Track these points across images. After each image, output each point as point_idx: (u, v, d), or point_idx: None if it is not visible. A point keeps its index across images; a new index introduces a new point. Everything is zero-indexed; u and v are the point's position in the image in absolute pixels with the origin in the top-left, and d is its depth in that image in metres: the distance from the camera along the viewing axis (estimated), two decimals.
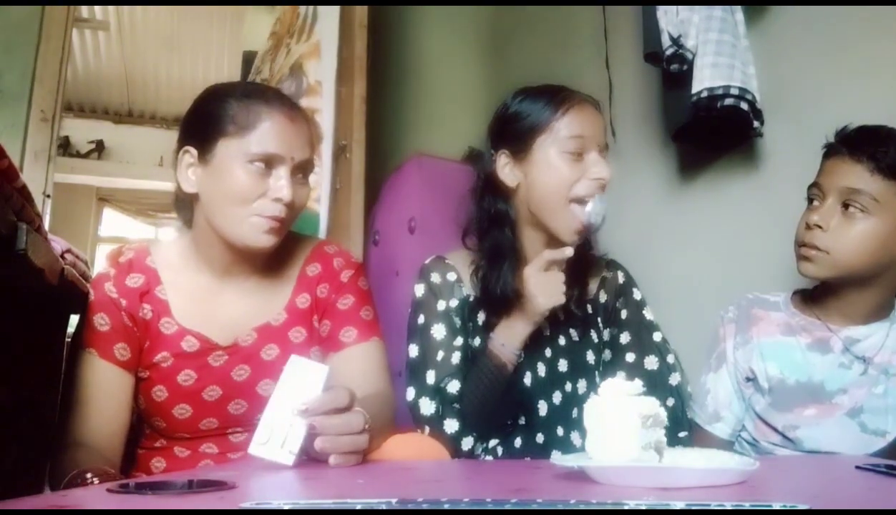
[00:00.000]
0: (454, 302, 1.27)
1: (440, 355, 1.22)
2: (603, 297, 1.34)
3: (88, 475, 0.91)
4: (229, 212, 1.10)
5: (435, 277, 1.28)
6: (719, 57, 1.61)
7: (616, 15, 2.24)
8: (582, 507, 0.55)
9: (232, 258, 1.17)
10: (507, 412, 1.23)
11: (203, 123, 1.13)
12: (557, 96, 1.22)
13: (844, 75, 1.55)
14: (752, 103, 1.61)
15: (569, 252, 1.17)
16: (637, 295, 1.36)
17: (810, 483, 0.84)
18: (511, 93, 1.28)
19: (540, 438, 1.23)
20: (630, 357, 1.28)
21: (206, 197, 1.13)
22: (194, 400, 1.14)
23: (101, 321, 1.15)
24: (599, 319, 1.33)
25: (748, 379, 1.33)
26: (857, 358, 1.24)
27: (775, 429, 1.27)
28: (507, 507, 0.53)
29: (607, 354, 1.32)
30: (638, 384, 0.77)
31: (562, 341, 1.27)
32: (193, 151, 1.13)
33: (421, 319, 1.27)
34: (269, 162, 1.09)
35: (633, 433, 0.74)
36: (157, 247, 1.22)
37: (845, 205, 1.19)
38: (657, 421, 0.76)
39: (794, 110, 1.66)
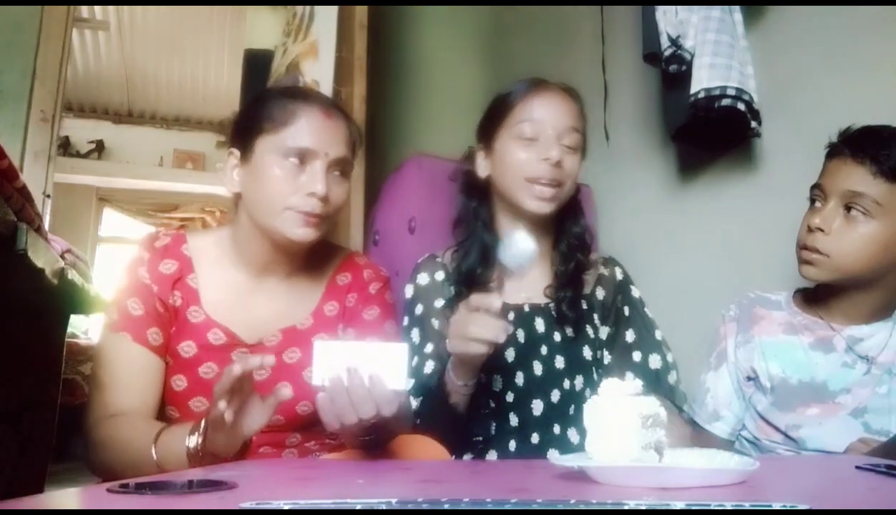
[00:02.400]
0: (440, 303, 1.28)
1: (414, 361, 1.24)
2: (600, 294, 1.33)
3: (203, 421, 0.93)
4: (265, 206, 1.13)
5: (422, 278, 1.31)
6: (717, 57, 1.61)
7: (614, 16, 2.24)
8: (582, 507, 0.55)
9: (271, 256, 1.18)
10: (466, 432, 1.19)
11: (244, 125, 1.16)
12: (521, 85, 1.28)
13: (843, 75, 1.55)
14: (749, 103, 1.61)
15: (496, 305, 1.01)
16: (636, 293, 1.35)
17: (810, 483, 0.84)
18: None
19: (535, 438, 1.21)
20: (636, 356, 1.28)
21: (247, 194, 1.16)
22: (212, 394, 1.14)
23: (135, 305, 1.14)
24: (596, 316, 1.31)
25: (749, 379, 1.32)
26: (861, 358, 1.24)
27: (777, 429, 1.27)
28: (507, 507, 0.53)
29: (604, 352, 1.30)
30: (638, 383, 0.77)
31: (557, 337, 1.26)
32: (237, 153, 1.16)
33: (405, 321, 1.30)
34: (304, 156, 1.11)
35: (633, 433, 0.74)
36: (195, 237, 1.23)
37: (847, 208, 1.19)
38: (657, 420, 0.76)
39: (793, 110, 1.66)
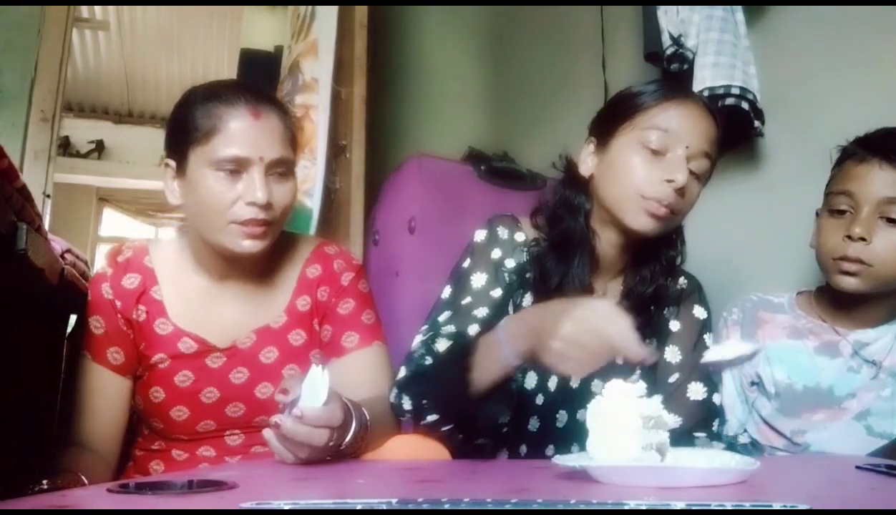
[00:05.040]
0: (511, 263, 1.15)
1: (466, 300, 1.11)
2: (674, 326, 1.20)
3: (45, 482, 0.91)
4: (208, 222, 1.09)
5: (501, 230, 1.18)
6: (720, 56, 1.61)
7: (614, 16, 2.24)
8: (582, 507, 0.55)
9: (227, 264, 1.16)
10: (487, 413, 1.01)
11: (174, 134, 1.11)
12: (658, 84, 1.13)
13: (845, 75, 1.55)
14: (752, 103, 1.61)
15: (648, 360, 0.87)
16: (700, 313, 1.21)
17: (810, 483, 0.84)
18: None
19: (550, 450, 1.14)
20: (673, 378, 1.15)
21: (187, 208, 1.12)
22: (191, 401, 1.14)
23: (97, 323, 1.15)
24: (660, 347, 1.17)
25: (753, 384, 1.32)
26: (867, 362, 1.22)
27: (782, 435, 1.26)
28: (507, 507, 0.53)
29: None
30: (641, 386, 0.77)
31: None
32: (172, 164, 1.12)
33: (467, 263, 1.16)
34: (238, 165, 1.06)
35: (634, 434, 0.74)
36: (157, 247, 1.21)
37: (884, 215, 1.16)
38: (659, 423, 0.76)
39: (795, 110, 1.66)
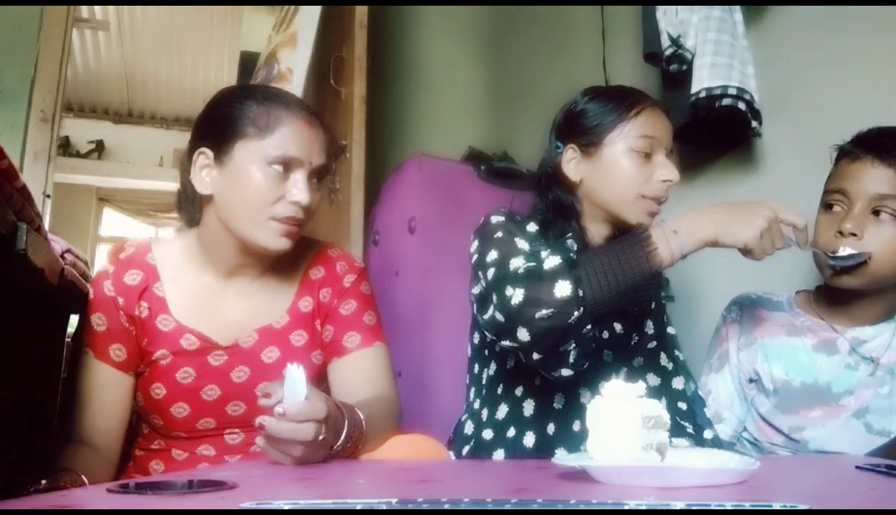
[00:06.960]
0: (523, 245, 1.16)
1: (528, 250, 1.12)
2: None
3: (43, 482, 0.90)
4: (246, 214, 1.10)
5: (516, 218, 1.22)
6: (718, 57, 1.61)
7: (614, 16, 2.25)
8: (582, 507, 0.55)
9: (240, 259, 1.17)
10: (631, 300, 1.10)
11: (220, 125, 1.13)
12: (630, 97, 1.23)
13: (843, 75, 1.55)
14: (750, 103, 1.61)
15: (800, 223, 1.10)
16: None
17: (810, 483, 0.84)
18: (580, 91, 1.29)
19: (577, 425, 1.17)
20: (651, 344, 1.27)
21: (222, 199, 1.12)
22: (192, 398, 1.14)
23: (99, 321, 1.15)
24: (655, 314, 1.30)
25: (751, 381, 1.32)
26: (865, 359, 1.23)
27: (780, 431, 1.27)
28: (507, 507, 0.53)
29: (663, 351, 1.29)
30: (641, 386, 0.77)
31: (605, 334, 1.22)
32: (209, 152, 1.13)
33: (500, 233, 1.16)
34: (288, 165, 1.10)
35: (634, 433, 0.74)
36: (160, 244, 1.22)
37: (875, 212, 1.17)
38: (659, 422, 0.76)
39: (793, 110, 1.66)
